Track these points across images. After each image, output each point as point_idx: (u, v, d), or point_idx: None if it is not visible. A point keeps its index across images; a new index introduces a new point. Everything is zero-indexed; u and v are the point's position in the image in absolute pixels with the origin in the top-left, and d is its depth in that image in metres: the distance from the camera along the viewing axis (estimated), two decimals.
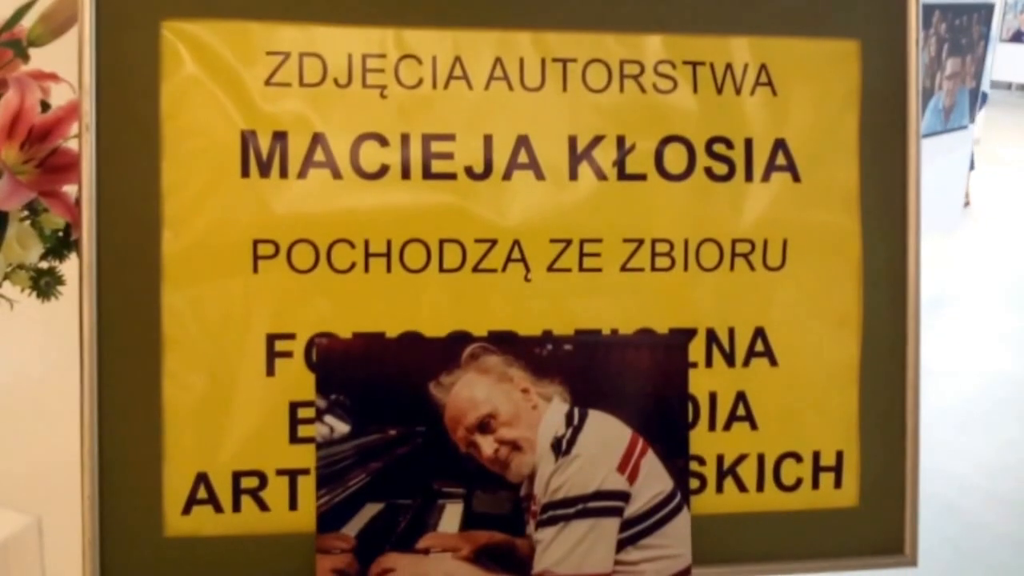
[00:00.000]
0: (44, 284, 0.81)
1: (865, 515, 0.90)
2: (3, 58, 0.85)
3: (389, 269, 0.83)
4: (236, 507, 0.82)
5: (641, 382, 0.85)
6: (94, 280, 0.78)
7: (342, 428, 0.80)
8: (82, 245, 0.78)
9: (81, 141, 0.78)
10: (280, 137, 0.82)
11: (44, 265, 0.82)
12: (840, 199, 0.89)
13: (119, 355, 0.80)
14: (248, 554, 0.82)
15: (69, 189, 0.82)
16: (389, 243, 0.83)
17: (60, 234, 0.82)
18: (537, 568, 0.82)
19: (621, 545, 0.83)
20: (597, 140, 0.86)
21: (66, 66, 0.83)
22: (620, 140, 0.86)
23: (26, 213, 0.81)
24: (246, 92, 0.82)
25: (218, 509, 0.82)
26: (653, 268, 0.87)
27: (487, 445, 0.82)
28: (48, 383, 0.97)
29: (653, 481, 0.84)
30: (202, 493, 0.81)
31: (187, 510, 0.81)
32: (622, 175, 0.86)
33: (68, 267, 0.83)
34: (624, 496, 0.83)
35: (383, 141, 0.83)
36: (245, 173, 0.81)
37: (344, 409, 0.80)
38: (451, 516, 0.82)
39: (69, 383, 0.87)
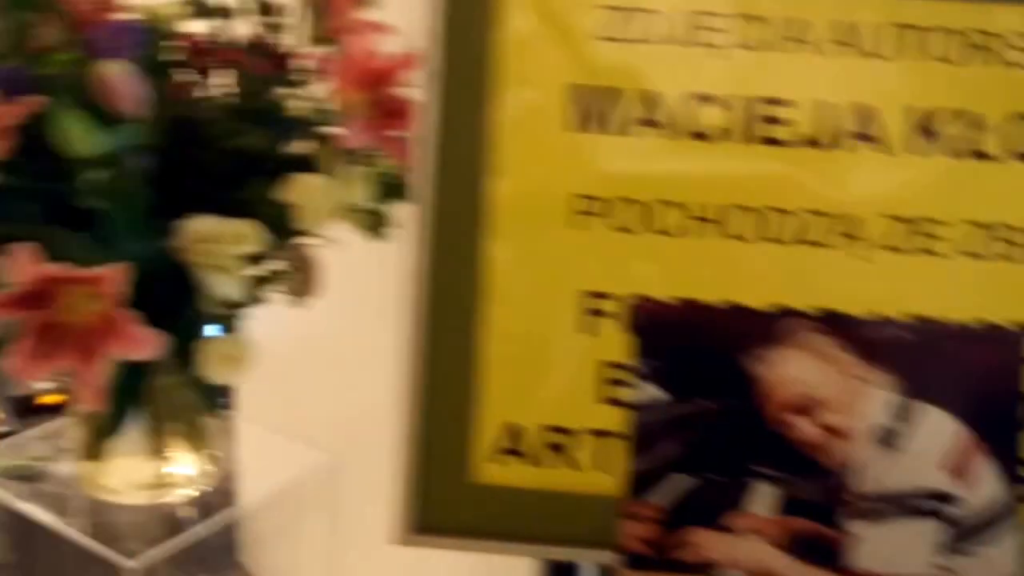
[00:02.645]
0: (375, 226, 0.82)
1: None
2: (345, 2, 0.87)
3: (713, 235, 0.80)
4: (542, 461, 0.81)
5: (975, 378, 0.79)
6: (425, 225, 0.80)
7: (657, 394, 0.78)
8: (414, 190, 0.79)
9: (421, 87, 0.79)
10: (610, 93, 0.80)
11: (375, 207, 0.83)
12: None
13: (440, 301, 0.81)
14: (550, 508, 0.82)
15: (403, 134, 0.83)
16: (716, 208, 0.80)
17: (392, 178, 0.84)
18: (851, 563, 0.78)
19: (942, 549, 0.77)
20: (946, 115, 0.80)
21: (401, 12, 0.84)
22: (971, 117, 0.80)
23: (361, 155, 0.83)
24: (578, 45, 0.81)
25: (524, 461, 0.82)
26: (998, 256, 0.80)
27: (807, 428, 0.77)
28: (365, 325, 1.01)
29: (981, 485, 0.78)
30: (510, 443, 0.82)
31: (494, 459, 0.82)
32: (971, 154, 0.80)
33: (397, 212, 0.85)
34: (949, 497, 0.77)
35: (716, 102, 0.80)
36: (574, 127, 0.80)
37: (661, 375, 0.78)
38: (762, 498, 0.78)
39: (382, 326, 0.89)
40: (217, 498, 1.01)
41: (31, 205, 0.71)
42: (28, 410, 1.72)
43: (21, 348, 0.68)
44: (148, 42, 0.71)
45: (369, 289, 0.98)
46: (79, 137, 0.65)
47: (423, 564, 1.07)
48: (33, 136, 0.71)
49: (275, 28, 0.82)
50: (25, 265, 0.66)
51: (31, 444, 1.10)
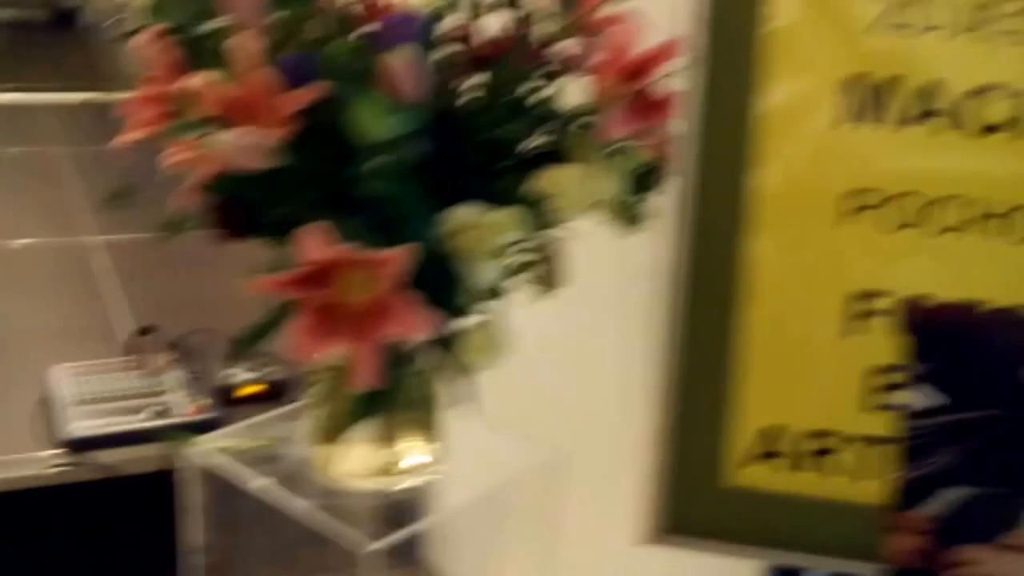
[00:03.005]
0: (629, 218, 0.81)
1: None
2: None
3: (994, 234, 0.76)
4: (800, 467, 0.78)
5: None
6: (685, 219, 0.78)
7: (931, 401, 0.74)
8: (675, 183, 0.78)
9: (683, 78, 0.78)
10: (887, 83, 0.77)
11: (628, 199, 0.82)
12: None
13: (694, 296, 0.79)
14: (804, 516, 0.78)
15: (661, 126, 0.82)
16: (997, 206, 0.75)
17: (646, 169, 0.82)
18: None
19: None
20: None
21: (661, 2, 0.83)
22: None
23: (616, 146, 0.82)
24: (853, 34, 0.77)
25: (781, 466, 0.79)
26: None
27: None
28: (604, 320, 1.00)
29: None
30: (764, 448, 0.79)
31: (747, 463, 0.79)
32: None
33: (649, 203, 0.84)
34: None
35: (1005, 93, 0.75)
36: (846, 118, 0.77)
37: (937, 380, 0.74)
38: None
39: (624, 322, 0.88)
40: (439, 490, 1.02)
41: (309, 189, 0.73)
42: (229, 400, 1.80)
43: (301, 327, 0.70)
44: (425, 33, 0.72)
45: (612, 283, 0.97)
46: (370, 122, 0.66)
47: (641, 564, 1.05)
48: (313, 122, 0.73)
49: (532, 20, 0.82)
50: (313, 246, 0.68)
51: (263, 428, 1.13)
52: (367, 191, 0.70)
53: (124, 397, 1.74)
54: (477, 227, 0.75)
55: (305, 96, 0.71)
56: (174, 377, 1.81)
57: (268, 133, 0.71)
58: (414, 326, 0.70)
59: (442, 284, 0.76)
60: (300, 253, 0.69)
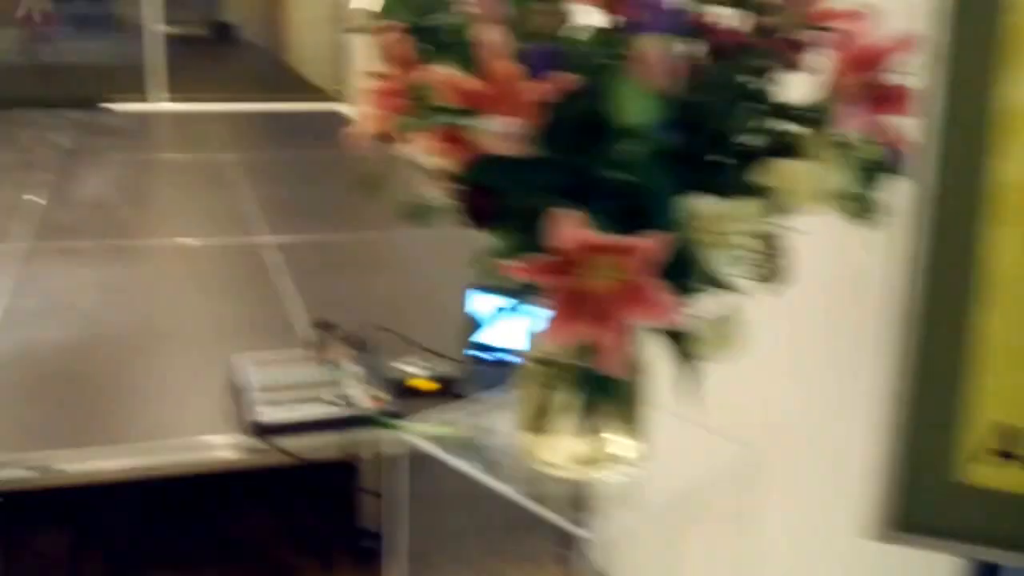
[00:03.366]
0: (857, 211, 0.81)
1: None
2: None
3: None
4: None
5: None
6: (923, 214, 0.78)
7: None
8: (912, 176, 0.78)
9: (921, 71, 0.78)
10: None
11: (859, 193, 0.82)
12: None
13: (931, 290, 0.79)
14: None
15: (896, 119, 0.82)
16: None
17: (878, 163, 0.82)
18: None
19: None
20: None
21: None
22: None
23: (845, 139, 0.82)
24: None
25: (1012, 465, 0.77)
26: None
27: None
28: (826, 314, 0.99)
29: None
30: (1000, 444, 0.78)
31: (981, 458, 0.78)
32: None
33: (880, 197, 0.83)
34: None
35: None
36: None
37: None
38: None
39: (851, 316, 0.87)
40: (637, 485, 1.03)
41: (557, 176, 0.76)
42: (402, 392, 1.86)
43: (553, 312, 0.72)
44: (677, 21, 0.74)
45: (836, 277, 0.97)
46: (630, 106, 0.69)
47: (833, 562, 1.04)
48: (560, 111, 0.75)
49: (767, 12, 0.83)
50: (565, 232, 0.71)
51: (471, 415, 1.17)
52: (616, 178, 0.72)
53: (305, 387, 1.82)
54: (717, 217, 0.76)
55: (555, 85, 0.73)
56: (351, 370, 1.89)
57: (520, 121, 0.74)
58: (661, 312, 0.72)
59: (678, 272, 0.77)
60: (552, 239, 0.71)
